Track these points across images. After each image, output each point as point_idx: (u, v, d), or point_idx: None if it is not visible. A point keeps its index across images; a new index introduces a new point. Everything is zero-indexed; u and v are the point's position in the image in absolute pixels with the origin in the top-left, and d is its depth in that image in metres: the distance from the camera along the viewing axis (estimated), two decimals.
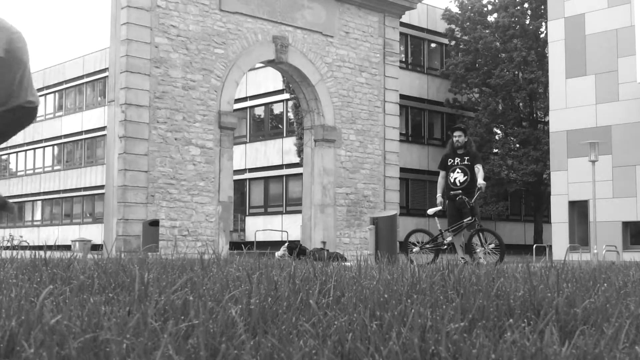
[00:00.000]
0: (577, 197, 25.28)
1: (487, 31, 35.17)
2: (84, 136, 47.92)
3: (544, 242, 30.67)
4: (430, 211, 11.49)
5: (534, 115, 36.60)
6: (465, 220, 10.94)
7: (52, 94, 49.54)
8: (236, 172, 30.74)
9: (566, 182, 25.67)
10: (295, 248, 14.48)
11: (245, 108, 38.63)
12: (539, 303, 2.85)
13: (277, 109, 38.72)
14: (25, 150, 51.92)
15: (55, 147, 50.11)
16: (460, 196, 10.93)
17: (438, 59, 38.51)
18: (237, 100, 30.09)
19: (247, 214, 38.80)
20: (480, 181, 10.85)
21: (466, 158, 11.18)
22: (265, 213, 37.88)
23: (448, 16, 36.13)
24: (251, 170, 38.60)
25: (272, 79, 37.10)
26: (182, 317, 2.36)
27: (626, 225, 24.59)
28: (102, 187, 38.81)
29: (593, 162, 20.33)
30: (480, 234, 10.99)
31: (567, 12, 26.11)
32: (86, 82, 47.43)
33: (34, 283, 3.23)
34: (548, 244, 26.63)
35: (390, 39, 23.72)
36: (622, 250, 23.34)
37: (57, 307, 2.52)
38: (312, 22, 21.71)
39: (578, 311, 2.72)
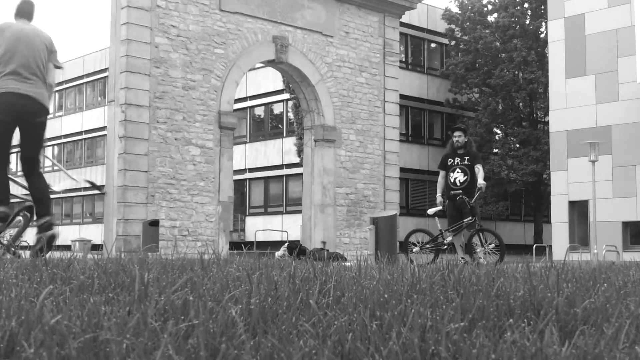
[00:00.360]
0: (577, 197, 25.28)
1: (487, 31, 35.18)
2: (84, 136, 47.96)
3: (544, 242, 30.68)
4: (430, 211, 11.51)
5: (534, 115, 36.60)
6: (465, 220, 10.95)
7: (52, 94, 49.55)
8: (236, 172, 30.74)
9: (566, 182, 25.67)
10: (295, 248, 14.46)
11: (245, 108, 38.64)
12: (539, 303, 2.85)
13: (277, 109, 38.72)
14: None
15: (55, 147, 50.12)
16: (460, 196, 10.93)
17: (438, 59, 38.51)
18: (237, 100, 30.10)
19: (247, 214, 38.81)
20: (481, 181, 10.86)
21: (466, 158, 11.19)
22: (265, 213, 37.89)
23: (448, 16, 36.14)
24: (251, 170, 38.61)
25: (272, 79, 37.11)
26: (182, 317, 2.36)
27: (626, 225, 24.59)
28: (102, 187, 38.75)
29: (593, 162, 20.32)
30: (480, 234, 11.00)
31: (567, 12, 26.11)
32: (86, 82, 47.46)
33: (34, 283, 3.23)
34: (548, 244, 26.64)
35: (390, 39, 23.71)
36: (622, 250, 23.34)
37: (57, 307, 2.52)
38: (312, 22, 21.70)
39: (578, 311, 2.72)
